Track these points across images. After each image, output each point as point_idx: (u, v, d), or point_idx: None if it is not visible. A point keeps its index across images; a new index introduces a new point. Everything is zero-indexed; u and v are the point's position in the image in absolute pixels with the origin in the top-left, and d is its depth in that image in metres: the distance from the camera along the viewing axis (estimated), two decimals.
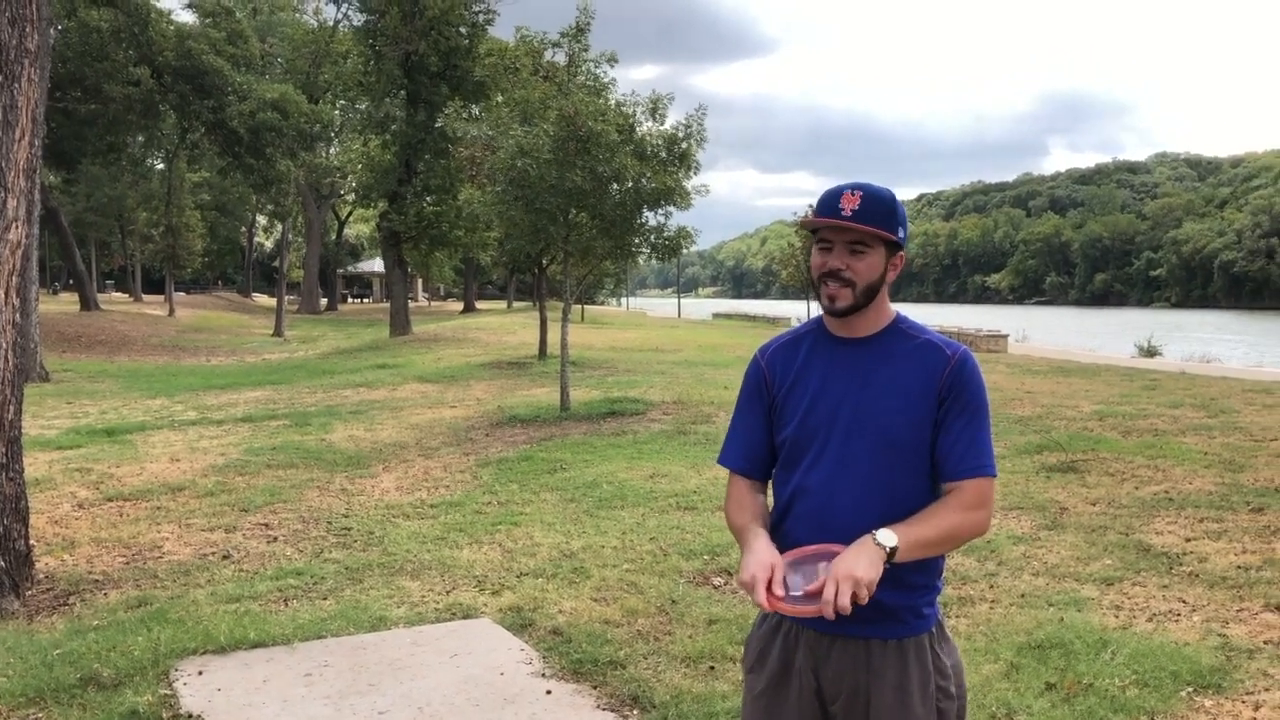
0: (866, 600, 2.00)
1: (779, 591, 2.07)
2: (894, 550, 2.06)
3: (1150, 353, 29.14)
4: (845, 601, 1.97)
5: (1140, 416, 11.46)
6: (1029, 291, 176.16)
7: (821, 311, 2.35)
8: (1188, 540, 6.41)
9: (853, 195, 2.20)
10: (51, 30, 20.22)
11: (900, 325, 2.31)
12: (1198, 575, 5.72)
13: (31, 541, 6.30)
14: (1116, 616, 5.11)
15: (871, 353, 2.27)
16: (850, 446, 2.22)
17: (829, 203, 2.23)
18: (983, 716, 3.98)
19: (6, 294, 5.93)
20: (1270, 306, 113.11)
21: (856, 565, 2.01)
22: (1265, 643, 4.67)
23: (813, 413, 2.27)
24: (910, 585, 2.20)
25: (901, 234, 2.25)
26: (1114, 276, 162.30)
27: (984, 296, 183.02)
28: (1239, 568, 5.79)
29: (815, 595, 2.03)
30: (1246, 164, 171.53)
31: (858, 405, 2.23)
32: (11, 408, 6.00)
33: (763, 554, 2.14)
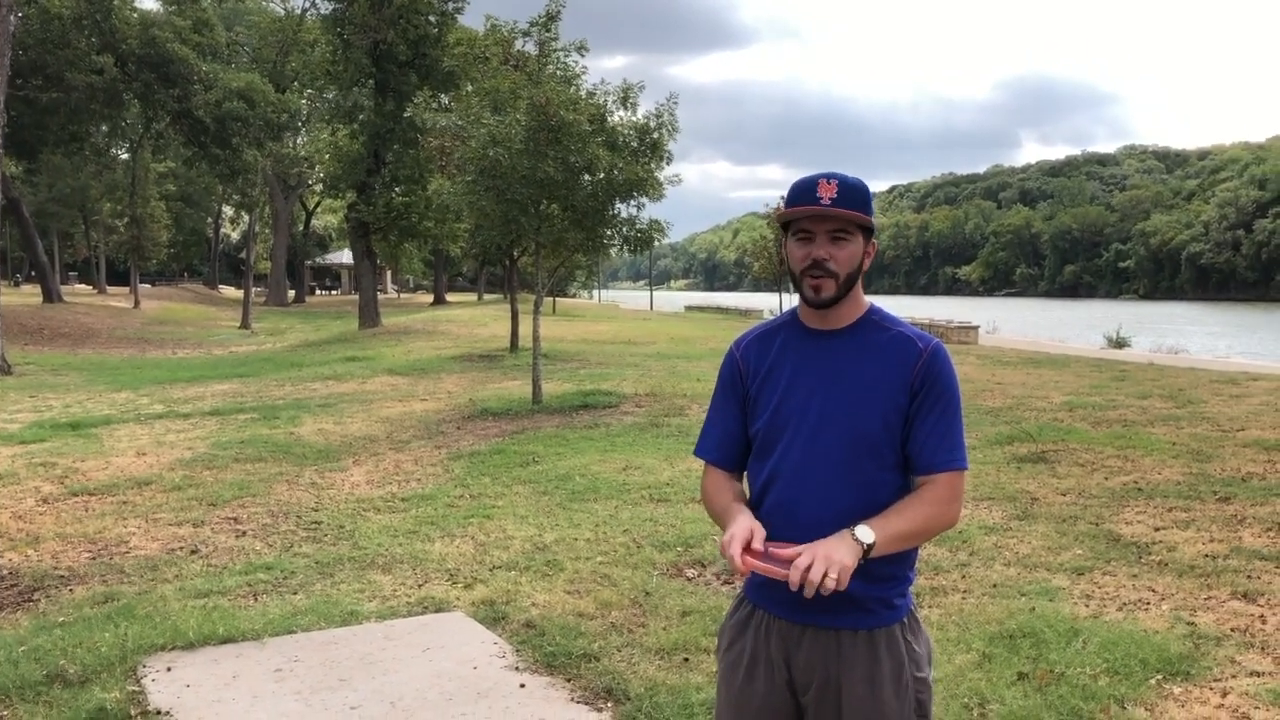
0: (835, 586, 1.99)
1: (758, 547, 2.07)
2: (871, 546, 2.07)
3: (1119, 344, 29.40)
4: (816, 576, 1.97)
5: (1110, 407, 11.57)
6: (999, 283, 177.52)
7: (797, 304, 2.34)
8: (1156, 530, 6.47)
9: (829, 183, 2.18)
10: (12, 17, 19.90)
11: (873, 317, 2.30)
12: (1166, 564, 5.77)
13: None
14: (1087, 606, 5.15)
15: (844, 344, 2.26)
16: (821, 438, 2.21)
17: (806, 191, 2.20)
18: (955, 706, 4.00)
19: None
20: (1236, 298, 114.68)
21: (836, 550, 2.02)
22: (1232, 630, 4.72)
23: (785, 404, 2.26)
24: (880, 577, 2.19)
25: (874, 221, 2.26)
26: (1083, 268, 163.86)
27: (955, 288, 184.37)
28: (1206, 556, 5.85)
29: (788, 561, 2.03)
30: (1214, 156, 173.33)
31: (828, 397, 2.22)
32: None
33: (745, 521, 2.15)
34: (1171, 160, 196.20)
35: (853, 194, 2.19)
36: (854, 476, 2.18)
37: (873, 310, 2.31)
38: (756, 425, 2.31)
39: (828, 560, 1.99)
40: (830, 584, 1.98)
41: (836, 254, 2.20)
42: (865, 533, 2.07)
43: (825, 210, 2.17)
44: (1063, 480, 7.98)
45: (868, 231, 2.24)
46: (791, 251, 2.25)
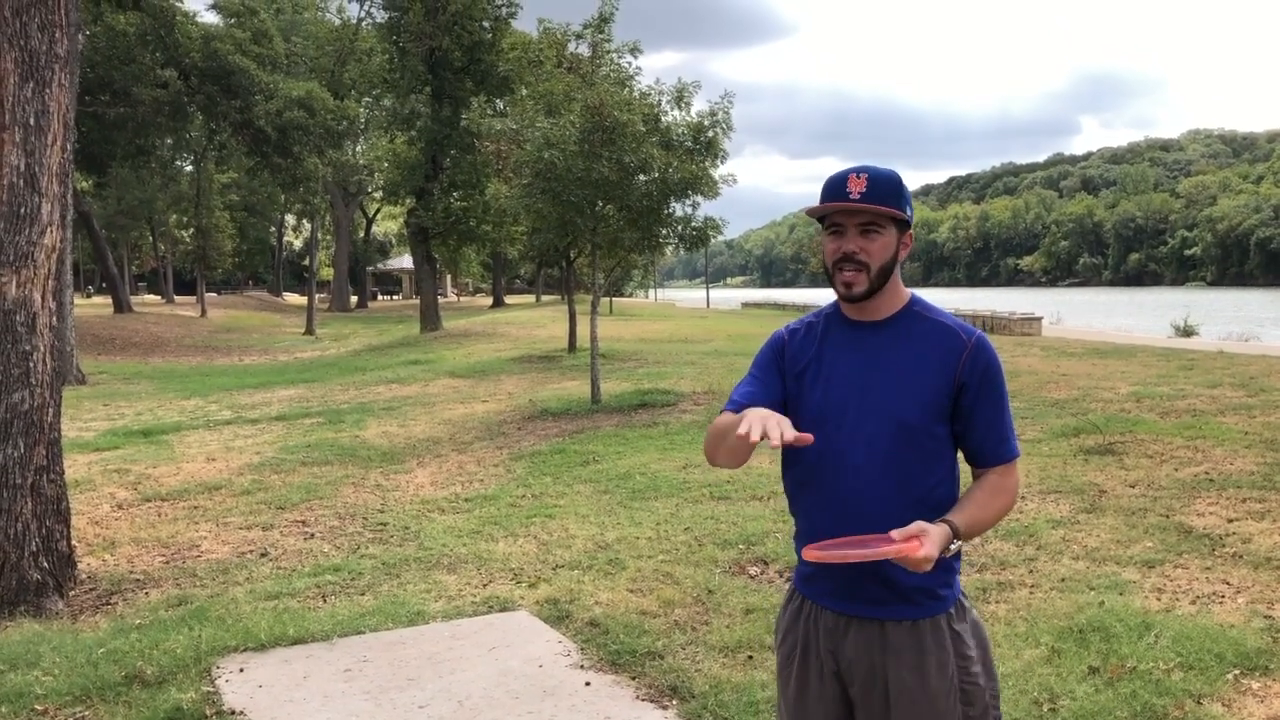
0: (924, 568, 2.02)
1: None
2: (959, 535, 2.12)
3: (1187, 332, 28.74)
4: (909, 547, 1.99)
5: (1178, 397, 11.32)
6: (1062, 273, 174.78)
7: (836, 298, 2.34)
8: (1230, 521, 6.32)
9: (858, 178, 2.20)
10: (80, 35, 20.40)
11: (914, 307, 2.31)
12: (1241, 556, 5.64)
13: (73, 542, 6.38)
14: (1159, 599, 5.05)
15: (885, 335, 2.26)
16: (864, 428, 2.20)
17: (835, 187, 2.22)
18: (1025, 702, 3.95)
19: (43, 298, 6.00)
20: None
21: (932, 539, 2.05)
22: None
23: (828, 395, 2.25)
24: None
25: (909, 212, 2.26)
26: (1148, 256, 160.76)
27: (1016, 279, 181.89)
28: None
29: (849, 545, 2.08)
30: None
31: (871, 388, 2.22)
32: (50, 410, 6.07)
33: (763, 408, 2.09)
34: (1239, 143, 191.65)
35: (883, 187, 2.20)
36: (896, 465, 2.19)
37: (914, 301, 2.32)
38: (798, 416, 2.27)
39: (930, 542, 2.04)
40: (917, 561, 2.01)
41: (867, 246, 2.20)
42: (956, 523, 2.12)
43: (853, 205, 2.18)
44: (1131, 472, 7.83)
45: (901, 225, 2.25)
46: (824, 245, 2.27)
